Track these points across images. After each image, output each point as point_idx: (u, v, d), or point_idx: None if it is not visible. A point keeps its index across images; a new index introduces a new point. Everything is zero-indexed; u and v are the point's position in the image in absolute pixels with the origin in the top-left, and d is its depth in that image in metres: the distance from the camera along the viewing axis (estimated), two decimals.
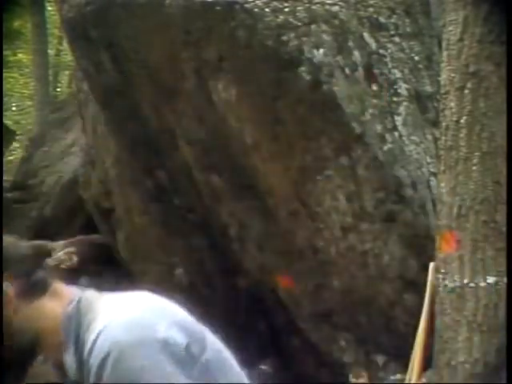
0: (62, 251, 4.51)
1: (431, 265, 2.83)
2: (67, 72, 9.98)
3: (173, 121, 4.02)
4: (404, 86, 3.70)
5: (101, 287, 4.61)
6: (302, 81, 3.49)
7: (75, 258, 4.47)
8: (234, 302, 4.29)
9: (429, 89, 3.78)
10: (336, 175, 3.56)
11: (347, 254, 3.62)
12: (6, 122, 7.42)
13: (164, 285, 4.58)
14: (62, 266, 4.38)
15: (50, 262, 4.86)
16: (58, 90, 10.37)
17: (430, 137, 3.68)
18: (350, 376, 3.56)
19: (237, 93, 3.62)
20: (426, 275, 2.85)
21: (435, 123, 3.41)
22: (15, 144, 8.25)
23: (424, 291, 2.84)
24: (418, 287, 3.21)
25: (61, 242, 4.70)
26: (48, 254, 5.02)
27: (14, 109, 10.64)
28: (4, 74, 9.39)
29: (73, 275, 4.57)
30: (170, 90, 3.90)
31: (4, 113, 8.62)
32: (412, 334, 2.88)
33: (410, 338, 2.91)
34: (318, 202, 3.62)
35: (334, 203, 3.58)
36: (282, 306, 4.03)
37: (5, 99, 9.89)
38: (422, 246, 3.45)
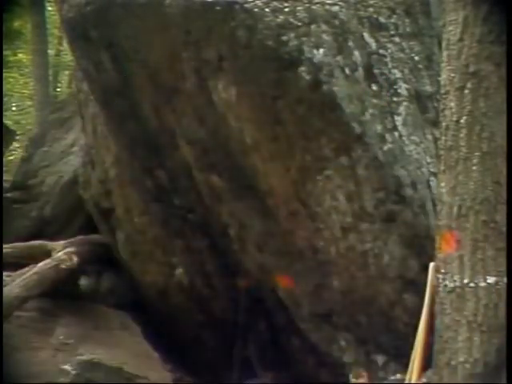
0: (62, 251, 4.51)
1: (431, 265, 2.83)
2: (67, 72, 9.97)
3: (173, 121, 4.02)
4: (404, 85, 3.70)
5: (100, 288, 4.56)
6: (302, 81, 3.49)
7: (75, 258, 4.47)
8: (233, 302, 4.29)
9: (429, 89, 3.78)
10: (336, 175, 3.56)
11: (347, 254, 3.61)
12: (6, 121, 7.41)
13: (164, 285, 4.59)
14: (62, 266, 4.38)
15: (50, 261, 4.85)
16: (58, 90, 10.37)
17: (429, 137, 3.68)
18: (350, 376, 3.56)
19: (237, 93, 3.62)
20: (426, 275, 2.84)
21: (435, 123, 3.41)
22: (15, 144, 8.24)
23: (424, 291, 2.84)
24: (418, 287, 3.21)
25: (61, 242, 4.69)
26: (48, 253, 5.02)
27: (14, 109, 10.62)
28: (4, 74, 9.38)
29: (73, 275, 4.58)
30: (170, 89, 3.90)
31: (4, 113, 8.61)
32: (412, 333, 2.88)
33: (410, 337, 2.91)
34: (318, 202, 3.61)
35: (333, 203, 3.58)
36: (282, 306, 4.03)
37: (5, 99, 9.88)
38: (421, 246, 3.45)
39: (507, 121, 2.66)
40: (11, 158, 8.11)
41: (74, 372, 3.81)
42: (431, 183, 3.52)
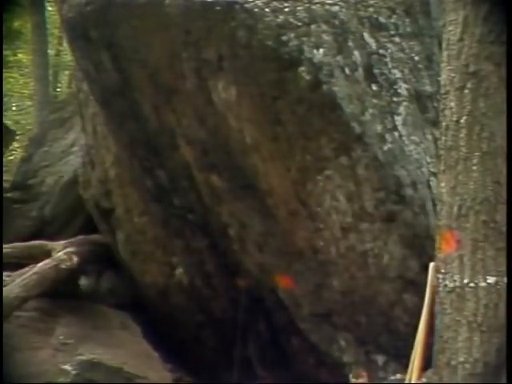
0: (62, 251, 4.51)
1: (431, 265, 2.83)
2: (67, 72, 9.97)
3: (173, 121, 4.02)
4: (404, 85, 3.71)
5: (100, 288, 4.55)
6: (302, 81, 3.49)
7: (75, 258, 4.47)
8: (233, 302, 4.29)
9: (429, 89, 3.78)
10: (336, 175, 3.56)
11: (347, 254, 3.61)
12: (6, 121, 7.41)
13: (164, 285, 4.59)
14: (62, 266, 4.38)
15: (50, 261, 4.84)
16: (58, 90, 10.38)
17: (429, 137, 3.68)
18: (350, 376, 3.57)
19: (237, 93, 3.62)
20: (426, 275, 2.85)
21: (435, 123, 3.41)
22: (15, 144, 8.23)
23: (424, 291, 2.84)
24: (418, 287, 3.21)
25: (61, 242, 4.69)
26: (48, 253, 5.02)
27: (14, 109, 10.63)
28: (4, 74, 9.38)
29: (73, 275, 4.58)
30: (169, 89, 3.90)
31: (4, 113, 8.61)
32: (412, 333, 2.88)
33: (410, 337, 2.91)
34: (318, 202, 3.61)
35: (333, 203, 3.58)
36: (281, 306, 4.03)
37: (5, 99, 9.88)
38: (422, 246, 3.45)
39: (507, 121, 2.66)
40: (11, 158, 8.11)
41: (74, 372, 3.80)
42: (431, 183, 3.52)
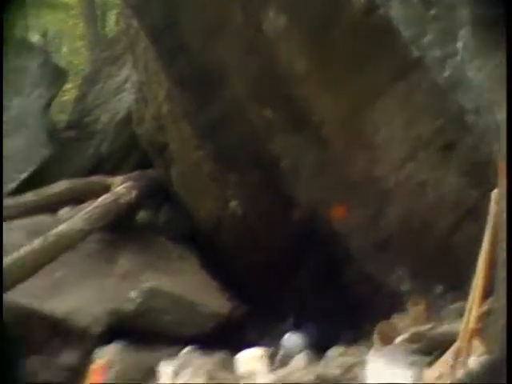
0: (121, 186, 4.61)
1: (494, 192, 2.75)
2: (114, 11, 9.91)
3: (223, 54, 3.96)
4: (465, 9, 3.50)
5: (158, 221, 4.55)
6: (357, 4, 3.36)
7: (134, 192, 4.56)
8: (288, 234, 4.31)
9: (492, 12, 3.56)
10: (392, 102, 3.46)
11: (405, 183, 3.56)
12: (59, 63, 7.47)
13: (218, 218, 4.65)
14: (121, 201, 4.49)
15: (110, 196, 4.91)
16: (107, 29, 10.36)
17: (492, 62, 3.50)
18: (408, 304, 3.57)
19: (287, 20, 3.52)
20: (486, 203, 2.77)
21: (498, 47, 3.22)
22: (68, 85, 8.33)
23: (484, 219, 2.77)
24: (477, 215, 3.14)
25: (119, 177, 4.80)
26: (107, 188, 5.10)
27: (65, 50, 10.71)
28: (51, 17, 9.44)
29: (131, 209, 4.69)
30: (218, 23, 3.82)
31: (56, 54, 8.70)
32: (472, 262, 2.83)
33: (469, 266, 2.87)
34: (374, 131, 3.54)
35: (390, 131, 3.50)
36: (337, 237, 4.03)
37: (55, 41, 9.96)
38: (482, 174, 3.35)
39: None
40: (65, 98, 8.22)
41: (138, 300, 3.95)
42: (494, 109, 3.37)
